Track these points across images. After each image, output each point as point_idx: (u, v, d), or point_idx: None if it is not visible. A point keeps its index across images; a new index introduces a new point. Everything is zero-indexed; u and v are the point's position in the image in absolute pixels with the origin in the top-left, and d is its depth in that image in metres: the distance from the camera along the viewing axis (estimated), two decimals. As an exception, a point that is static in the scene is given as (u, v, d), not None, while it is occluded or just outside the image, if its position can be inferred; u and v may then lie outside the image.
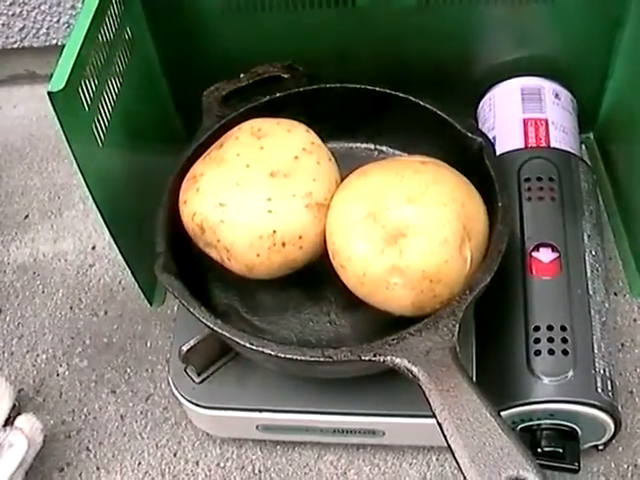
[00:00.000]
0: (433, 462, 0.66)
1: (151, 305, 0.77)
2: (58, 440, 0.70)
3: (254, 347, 0.53)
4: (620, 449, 0.65)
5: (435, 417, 0.49)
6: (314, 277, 0.62)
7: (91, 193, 0.62)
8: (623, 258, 0.75)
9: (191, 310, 0.56)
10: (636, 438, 0.65)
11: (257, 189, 0.58)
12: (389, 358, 0.52)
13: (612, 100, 0.78)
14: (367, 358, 0.52)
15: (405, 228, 0.55)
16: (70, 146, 0.58)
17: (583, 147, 0.80)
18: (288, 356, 0.53)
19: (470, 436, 0.48)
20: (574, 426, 0.59)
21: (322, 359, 0.52)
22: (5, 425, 0.65)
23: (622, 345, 0.70)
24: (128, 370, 0.73)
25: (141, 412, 0.71)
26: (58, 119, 0.56)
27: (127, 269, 0.71)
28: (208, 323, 0.55)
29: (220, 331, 0.55)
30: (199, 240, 0.60)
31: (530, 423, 0.59)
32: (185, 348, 0.60)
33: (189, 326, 0.61)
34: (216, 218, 0.58)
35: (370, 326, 0.60)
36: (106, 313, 0.77)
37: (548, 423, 0.59)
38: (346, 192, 0.59)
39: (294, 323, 0.62)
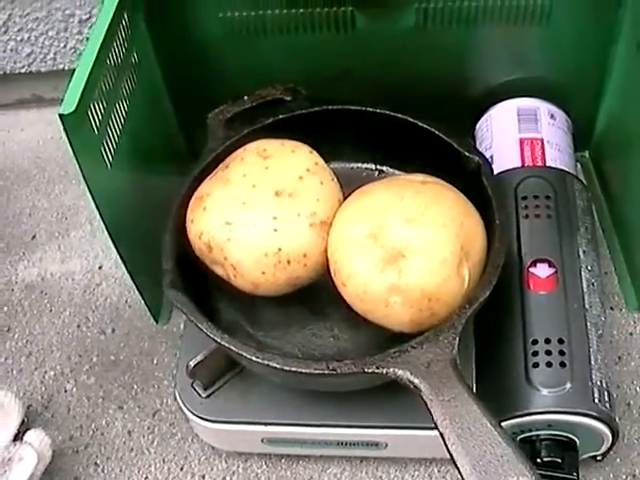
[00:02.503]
0: (435, 474, 0.67)
1: (157, 323, 0.78)
2: (66, 455, 0.71)
3: (260, 360, 0.55)
4: (618, 460, 0.66)
5: (437, 427, 0.51)
6: (318, 294, 0.64)
7: (100, 213, 0.63)
8: (618, 273, 0.77)
9: (198, 325, 0.57)
10: (633, 449, 0.67)
11: (263, 208, 0.60)
12: (391, 370, 0.53)
13: (606, 119, 0.80)
14: (370, 370, 0.53)
15: (404, 248, 0.57)
16: (80, 167, 0.59)
17: (578, 165, 0.81)
18: (293, 369, 0.54)
19: (471, 445, 0.49)
20: (572, 437, 0.60)
21: (326, 372, 0.54)
22: (15, 440, 0.66)
23: (619, 358, 0.71)
24: (135, 386, 0.75)
25: (148, 427, 0.72)
26: (69, 141, 0.58)
27: (134, 288, 0.73)
28: (215, 337, 0.56)
29: (227, 345, 0.56)
30: (206, 258, 0.62)
31: (529, 434, 0.60)
32: (192, 363, 0.61)
33: (196, 342, 0.62)
34: (223, 237, 0.60)
35: (371, 341, 0.62)
36: (113, 331, 0.79)
37: (547, 434, 0.60)
38: (348, 211, 0.61)
39: (298, 338, 0.63)
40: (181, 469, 0.69)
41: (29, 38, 0.90)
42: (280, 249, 0.59)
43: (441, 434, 0.51)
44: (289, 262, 0.60)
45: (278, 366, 0.55)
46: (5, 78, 0.96)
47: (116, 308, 0.81)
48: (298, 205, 0.60)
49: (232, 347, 0.56)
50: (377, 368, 0.53)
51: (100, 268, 0.84)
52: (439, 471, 0.67)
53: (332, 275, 0.60)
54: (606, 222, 0.79)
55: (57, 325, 0.80)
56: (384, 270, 0.57)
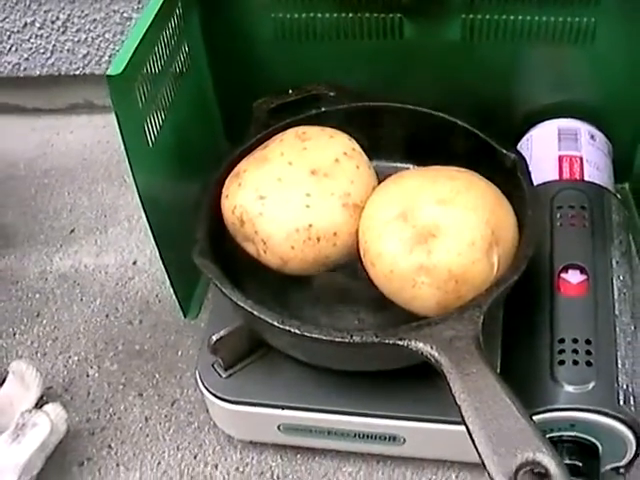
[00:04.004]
0: (452, 479, 0.65)
1: (185, 317, 0.78)
2: (81, 436, 0.71)
3: (281, 326, 0.55)
4: (641, 476, 0.64)
5: (454, 400, 0.50)
6: (345, 278, 0.64)
7: (138, 192, 0.64)
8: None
9: (223, 289, 0.57)
10: (659, 465, 0.64)
11: (297, 185, 0.61)
12: (412, 342, 0.53)
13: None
14: (391, 342, 0.53)
15: (435, 228, 0.57)
16: (122, 134, 0.60)
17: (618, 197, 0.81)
18: (314, 335, 0.54)
19: (488, 418, 0.49)
20: (595, 441, 0.58)
21: (347, 340, 0.53)
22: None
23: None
24: (157, 376, 0.75)
25: (165, 415, 0.72)
26: (113, 104, 0.59)
27: (166, 284, 0.74)
28: (238, 301, 0.56)
29: (249, 309, 0.56)
30: (237, 234, 0.63)
31: (551, 434, 0.59)
32: (215, 337, 0.61)
33: (220, 322, 0.63)
34: (255, 210, 0.60)
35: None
36: (141, 322, 0.79)
37: (569, 435, 0.58)
38: (380, 194, 0.61)
39: (323, 321, 0.63)
40: (194, 457, 0.69)
41: (86, 39, 0.93)
42: (311, 225, 0.59)
43: (458, 407, 0.50)
44: (319, 239, 0.60)
45: (299, 332, 0.54)
46: (59, 80, 0.99)
47: (146, 301, 0.81)
48: (332, 185, 0.61)
49: (255, 312, 0.56)
50: (399, 340, 0.53)
51: (134, 263, 0.85)
52: (457, 477, 0.65)
53: (362, 256, 0.60)
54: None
55: (86, 314, 0.81)
56: (413, 250, 0.57)
